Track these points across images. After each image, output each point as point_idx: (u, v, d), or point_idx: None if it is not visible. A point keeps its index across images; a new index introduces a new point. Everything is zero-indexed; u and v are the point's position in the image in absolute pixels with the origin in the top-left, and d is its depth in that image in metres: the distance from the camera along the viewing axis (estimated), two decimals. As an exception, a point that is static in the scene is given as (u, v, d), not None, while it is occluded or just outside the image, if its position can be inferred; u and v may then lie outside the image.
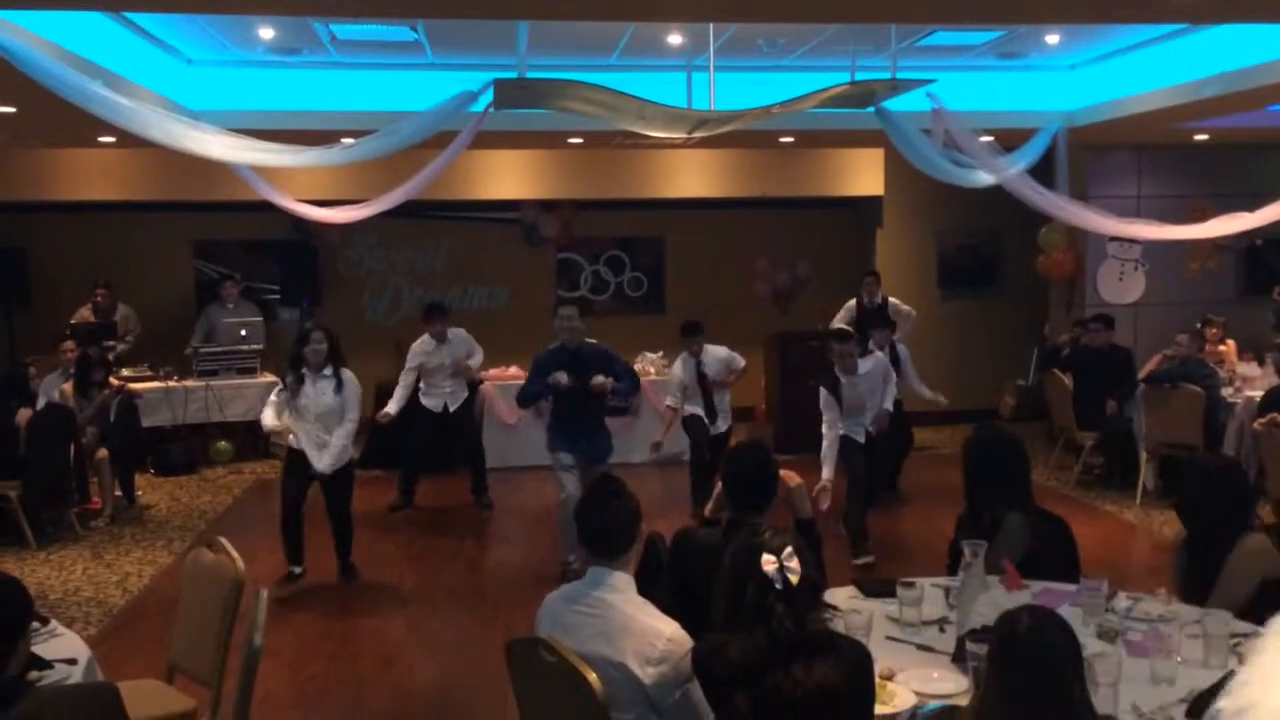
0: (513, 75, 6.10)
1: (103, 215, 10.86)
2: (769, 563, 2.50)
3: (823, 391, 6.71)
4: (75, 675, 3.16)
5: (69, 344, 8.43)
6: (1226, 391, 8.23)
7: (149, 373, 9.59)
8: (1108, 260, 10.37)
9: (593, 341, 6.60)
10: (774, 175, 11.11)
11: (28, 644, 2.83)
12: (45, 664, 3.07)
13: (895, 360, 7.97)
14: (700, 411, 7.85)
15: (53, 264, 10.77)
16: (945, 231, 11.50)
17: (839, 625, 3.13)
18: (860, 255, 11.53)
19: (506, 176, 10.95)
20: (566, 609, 3.00)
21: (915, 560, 6.58)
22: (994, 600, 3.26)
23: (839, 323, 9.45)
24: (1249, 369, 8.77)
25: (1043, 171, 7.48)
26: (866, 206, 11.55)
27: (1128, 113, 7.88)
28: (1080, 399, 8.53)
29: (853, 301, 9.48)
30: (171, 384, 9.50)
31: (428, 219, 11.20)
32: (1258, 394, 7.70)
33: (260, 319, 10.22)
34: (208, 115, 6.95)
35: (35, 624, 3.10)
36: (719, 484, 3.73)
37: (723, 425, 7.86)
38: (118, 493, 8.20)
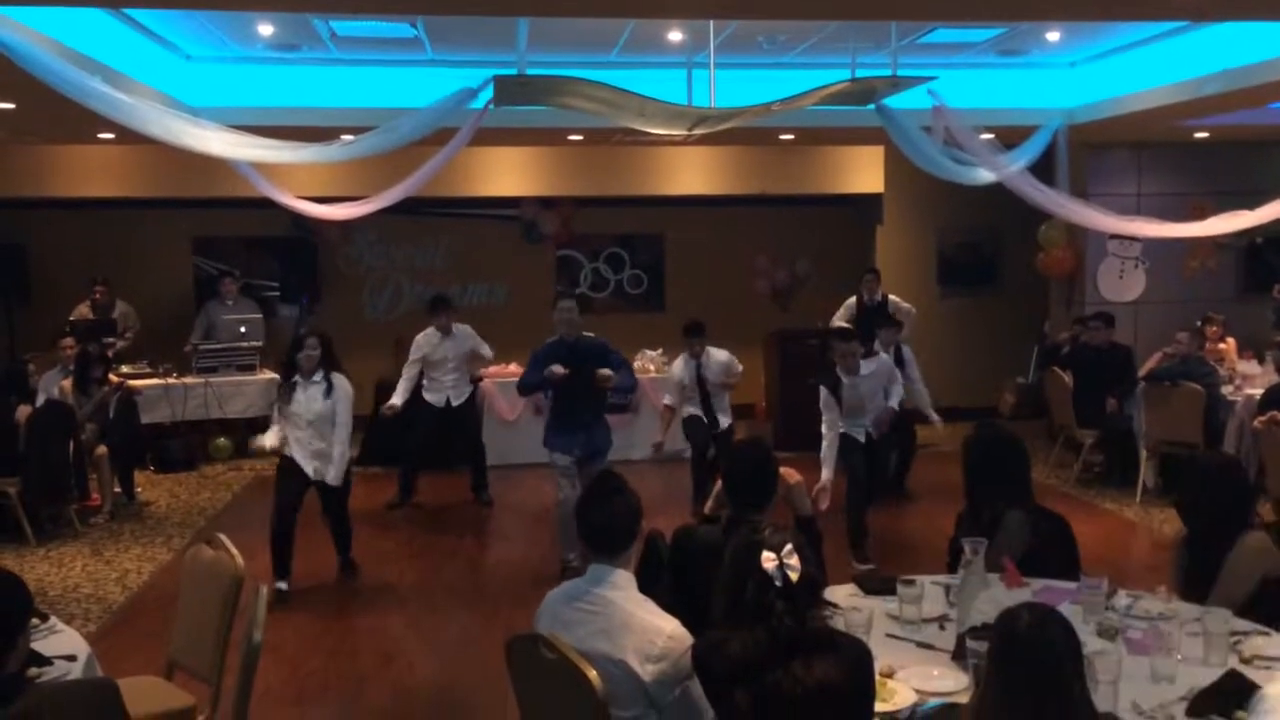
0: (513, 72, 6.09)
1: (102, 212, 10.85)
2: (769, 560, 2.49)
3: (823, 391, 6.69)
4: (75, 672, 3.16)
5: (68, 341, 8.42)
6: (1226, 389, 8.23)
7: (148, 369, 9.58)
8: (1108, 258, 10.37)
9: (590, 335, 6.59)
10: (774, 172, 11.10)
11: (27, 640, 2.83)
12: (44, 660, 3.06)
13: (900, 363, 7.95)
14: (699, 412, 7.85)
15: (52, 260, 10.76)
16: (945, 229, 11.50)
17: (839, 623, 3.13)
18: (860, 253, 11.53)
19: (506, 173, 10.95)
20: (567, 606, 2.99)
21: (915, 558, 6.59)
22: (994, 598, 3.25)
23: (839, 320, 9.46)
24: (1249, 367, 8.77)
25: (1043, 169, 7.48)
26: (866, 204, 11.54)
27: (1128, 110, 7.88)
28: (1080, 397, 8.53)
29: (853, 299, 9.48)
30: (171, 381, 9.49)
31: (427, 216, 11.19)
32: (1258, 392, 7.70)
33: (260, 316, 10.21)
34: (207, 111, 6.94)
35: (35, 620, 3.10)
36: (719, 481, 3.73)
37: (724, 422, 7.86)
38: (117, 489, 8.20)
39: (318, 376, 6.18)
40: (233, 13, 6.56)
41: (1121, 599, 3.57)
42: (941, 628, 3.39)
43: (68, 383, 8.09)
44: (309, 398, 6.15)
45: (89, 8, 5.87)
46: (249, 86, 7.83)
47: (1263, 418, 6.95)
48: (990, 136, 7.07)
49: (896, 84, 6.47)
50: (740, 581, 2.51)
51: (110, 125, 5.79)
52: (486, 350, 8.36)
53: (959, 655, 3.07)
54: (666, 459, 8.24)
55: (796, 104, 6.61)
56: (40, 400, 7.77)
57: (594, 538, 3.05)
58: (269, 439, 6.26)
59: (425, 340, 8.09)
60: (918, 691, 2.88)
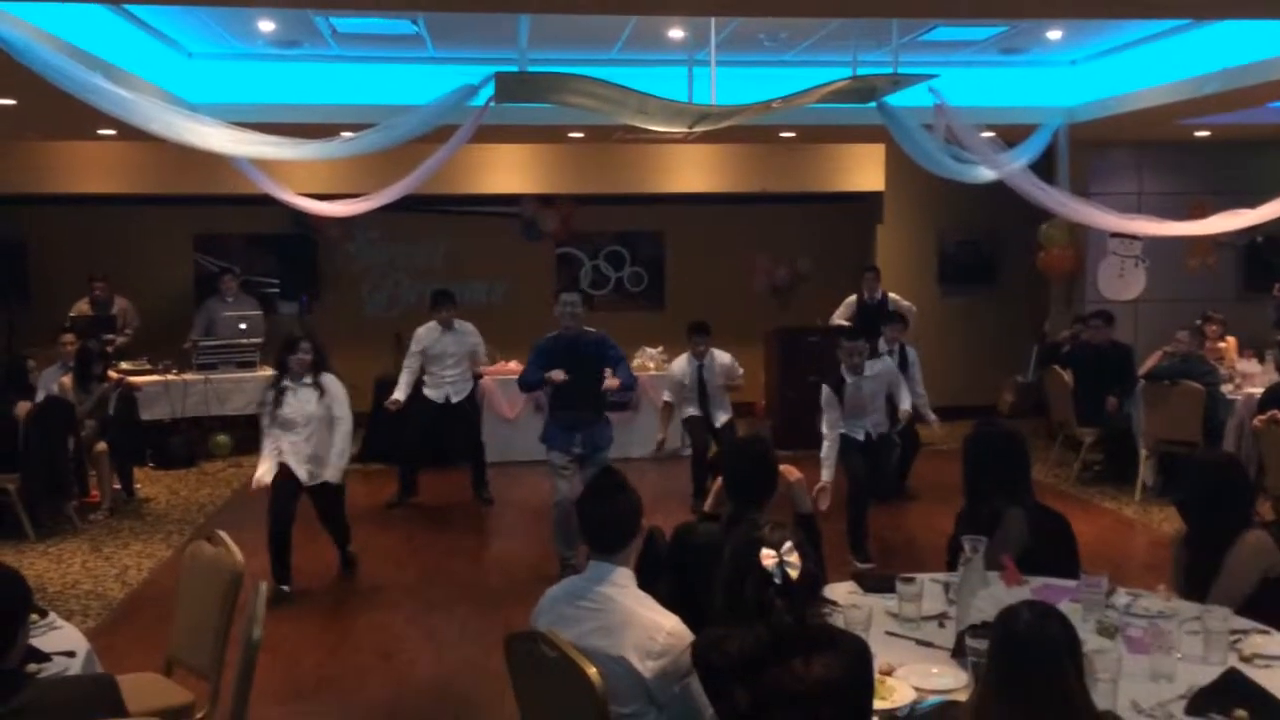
0: (513, 69, 6.09)
1: (103, 208, 10.85)
2: (769, 557, 2.49)
3: (825, 389, 6.67)
4: (74, 668, 3.16)
5: (68, 337, 8.41)
6: (1226, 388, 8.23)
7: (148, 366, 9.58)
8: (1108, 257, 10.37)
9: (591, 330, 6.58)
10: (775, 170, 11.10)
11: (26, 636, 2.83)
12: (43, 656, 3.06)
13: (904, 363, 7.95)
14: (698, 412, 7.84)
15: (52, 257, 10.75)
16: (946, 227, 11.50)
17: (838, 620, 3.13)
18: (860, 251, 11.53)
19: (506, 171, 10.95)
20: (567, 604, 2.99)
21: (915, 556, 6.59)
22: (994, 596, 3.26)
23: (839, 318, 9.47)
24: (1249, 366, 8.76)
25: (1044, 168, 7.48)
26: (867, 202, 11.54)
27: (1129, 109, 7.88)
28: (1080, 395, 8.53)
29: (853, 297, 9.48)
30: (170, 377, 9.49)
31: (428, 213, 11.19)
32: (1258, 391, 7.70)
33: (260, 313, 10.20)
34: (208, 108, 6.95)
35: (34, 616, 3.10)
36: (719, 479, 3.73)
37: (722, 418, 7.86)
38: (116, 486, 8.19)
39: (307, 379, 6.12)
40: (234, 9, 6.56)
41: (1121, 597, 3.57)
42: (941, 625, 3.39)
43: (68, 379, 8.08)
44: (301, 400, 6.09)
45: (90, 4, 5.87)
46: (250, 83, 7.83)
47: (1263, 416, 6.95)
48: (991, 135, 7.07)
49: (897, 82, 6.47)
50: (740, 578, 2.51)
51: (111, 121, 5.80)
52: (484, 356, 8.35)
53: (958, 653, 3.08)
54: (666, 457, 8.24)
55: (797, 102, 6.61)
56: (40, 397, 7.76)
57: (595, 535, 3.05)
58: (265, 474, 6.05)
59: (426, 333, 8.08)
60: (917, 689, 2.88)
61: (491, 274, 11.65)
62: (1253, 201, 6.91)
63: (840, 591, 3.62)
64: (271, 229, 10.90)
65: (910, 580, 3.49)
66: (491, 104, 6.22)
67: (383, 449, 9.14)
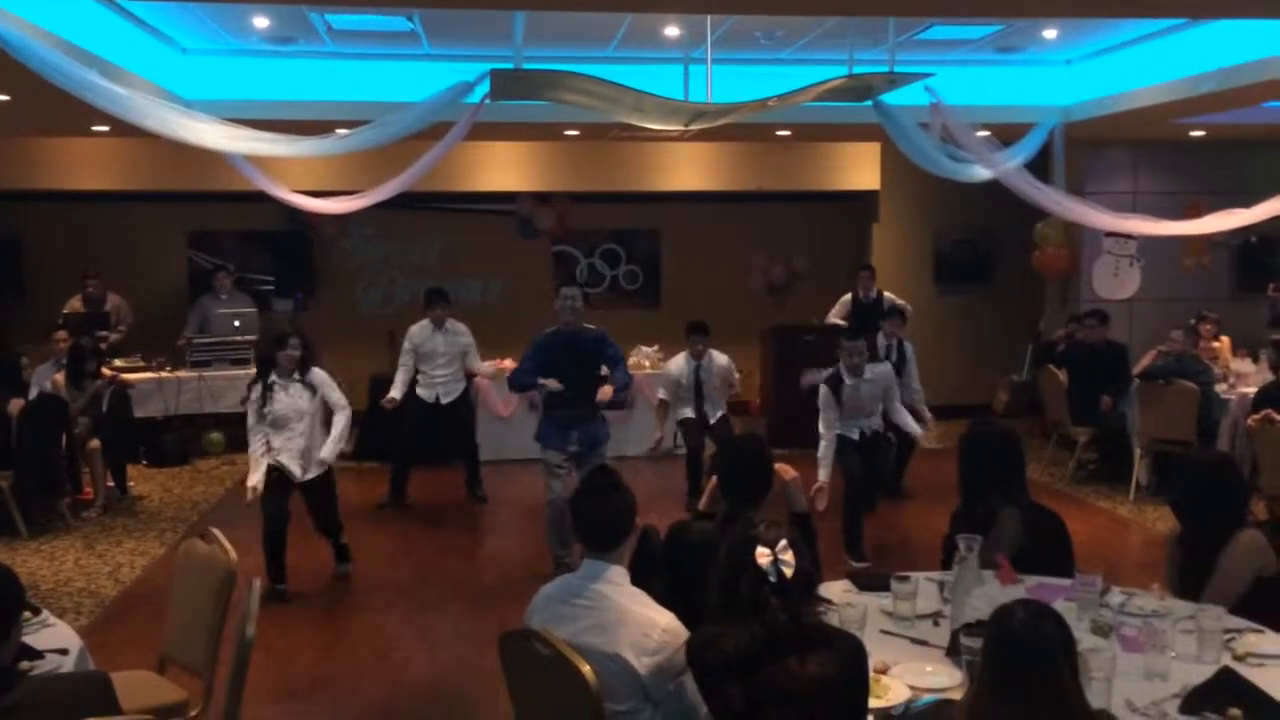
0: (509, 66, 6.08)
1: (97, 205, 10.82)
2: (764, 556, 2.49)
3: (823, 389, 6.67)
4: (66, 665, 3.15)
5: (62, 334, 8.39)
6: (1220, 388, 8.25)
7: (141, 363, 9.56)
8: (1103, 256, 10.37)
9: (590, 327, 6.57)
10: (770, 169, 11.10)
11: (19, 633, 2.82)
12: (36, 654, 3.05)
13: (902, 359, 7.96)
14: (693, 413, 7.83)
15: (46, 254, 10.73)
16: (941, 226, 11.50)
17: (833, 619, 3.13)
18: (856, 249, 11.53)
19: (502, 168, 10.94)
20: (562, 602, 2.99)
21: (910, 554, 6.59)
22: (988, 594, 3.26)
23: (834, 317, 9.47)
24: (1243, 365, 8.78)
25: (1039, 167, 7.49)
26: (863, 201, 11.54)
27: (1124, 108, 7.89)
28: (1075, 394, 8.54)
29: (848, 296, 9.49)
30: (164, 375, 9.47)
31: (423, 210, 11.18)
32: (1252, 390, 7.72)
33: (254, 310, 10.18)
34: (202, 104, 6.94)
35: (26, 614, 3.09)
36: (714, 477, 3.73)
37: (717, 413, 7.85)
38: (110, 483, 8.18)
39: (296, 376, 6.07)
40: (228, 5, 6.55)
41: (1115, 596, 3.57)
42: (936, 624, 3.39)
43: (61, 376, 8.06)
44: (293, 397, 6.04)
45: (84, -1, 5.86)
46: (244, 79, 7.82)
47: (1257, 416, 6.97)
48: (987, 134, 7.07)
49: (894, 80, 6.47)
50: (735, 577, 2.51)
51: (105, 118, 5.77)
52: (477, 362, 8.23)
53: (953, 651, 3.08)
54: (662, 455, 8.24)
55: (793, 100, 6.60)
56: (33, 394, 7.73)
57: (589, 533, 3.04)
58: (258, 481, 5.98)
59: (418, 331, 8.05)
60: (911, 687, 2.88)
61: (487, 272, 11.64)
62: (1247, 201, 6.92)
63: (835, 590, 3.62)
64: (266, 226, 10.88)
65: (905, 579, 3.49)
66: (487, 101, 6.21)
67: (377, 447, 9.11)
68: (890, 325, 8.10)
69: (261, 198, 7.03)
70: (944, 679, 2.95)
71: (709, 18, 6.33)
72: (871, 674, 2.66)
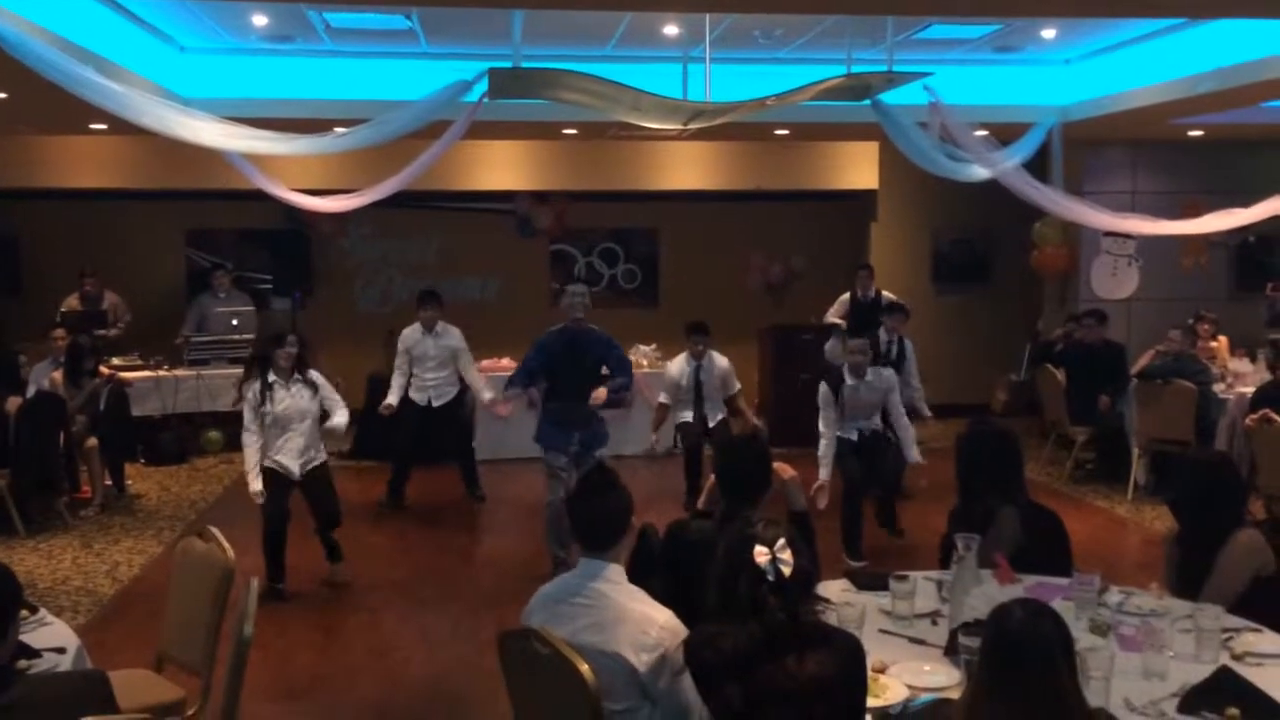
0: (507, 65, 6.08)
1: (95, 203, 10.82)
2: (762, 554, 2.49)
3: (823, 387, 6.65)
4: (64, 664, 3.15)
5: (59, 332, 8.38)
6: (1218, 387, 8.26)
7: (139, 361, 9.55)
8: (1101, 255, 10.38)
9: (594, 327, 6.56)
10: (769, 168, 11.10)
11: (16, 632, 2.81)
12: (34, 652, 3.05)
13: (902, 356, 7.95)
14: (691, 417, 7.80)
15: (44, 252, 10.72)
16: (940, 225, 11.51)
17: (832, 618, 3.13)
18: (854, 249, 11.54)
19: (500, 167, 10.93)
20: (560, 601, 2.98)
21: (908, 553, 6.59)
22: (987, 594, 3.26)
23: (833, 316, 9.47)
24: (1241, 365, 8.79)
25: (1038, 166, 7.49)
26: (861, 200, 11.54)
27: (1123, 108, 7.89)
28: (1073, 394, 8.54)
29: (847, 295, 9.48)
30: (162, 373, 9.46)
31: (421, 209, 11.17)
32: (1249, 390, 7.72)
33: (252, 308, 10.18)
34: (200, 103, 6.94)
35: (24, 612, 3.08)
36: (712, 476, 3.73)
37: (717, 416, 7.82)
38: (107, 482, 8.17)
39: (297, 376, 6.01)
40: (227, 3, 6.55)
41: (1113, 595, 3.57)
42: (934, 623, 3.39)
43: (58, 374, 8.05)
44: (294, 396, 5.98)
45: (82, -3, 5.86)
46: (242, 78, 7.81)
47: (1255, 415, 6.97)
48: (985, 133, 7.07)
49: (892, 80, 6.47)
50: (734, 575, 2.51)
51: (103, 116, 5.77)
52: (471, 370, 8.04)
53: (951, 650, 3.08)
54: (661, 454, 8.23)
55: (792, 99, 6.60)
56: (31, 392, 7.73)
57: (586, 532, 3.04)
58: (259, 489, 5.90)
59: (409, 334, 8.00)
60: (910, 686, 2.88)
61: (485, 270, 11.64)
62: (1246, 201, 6.93)
63: (833, 589, 3.62)
64: (264, 224, 10.87)
65: (903, 578, 3.49)
66: (485, 100, 6.21)
67: (375, 446, 9.10)
68: (892, 321, 8.09)
69: (259, 196, 7.03)
70: (942, 678, 2.95)
71: (707, 16, 6.33)
72: (870, 673, 2.66)
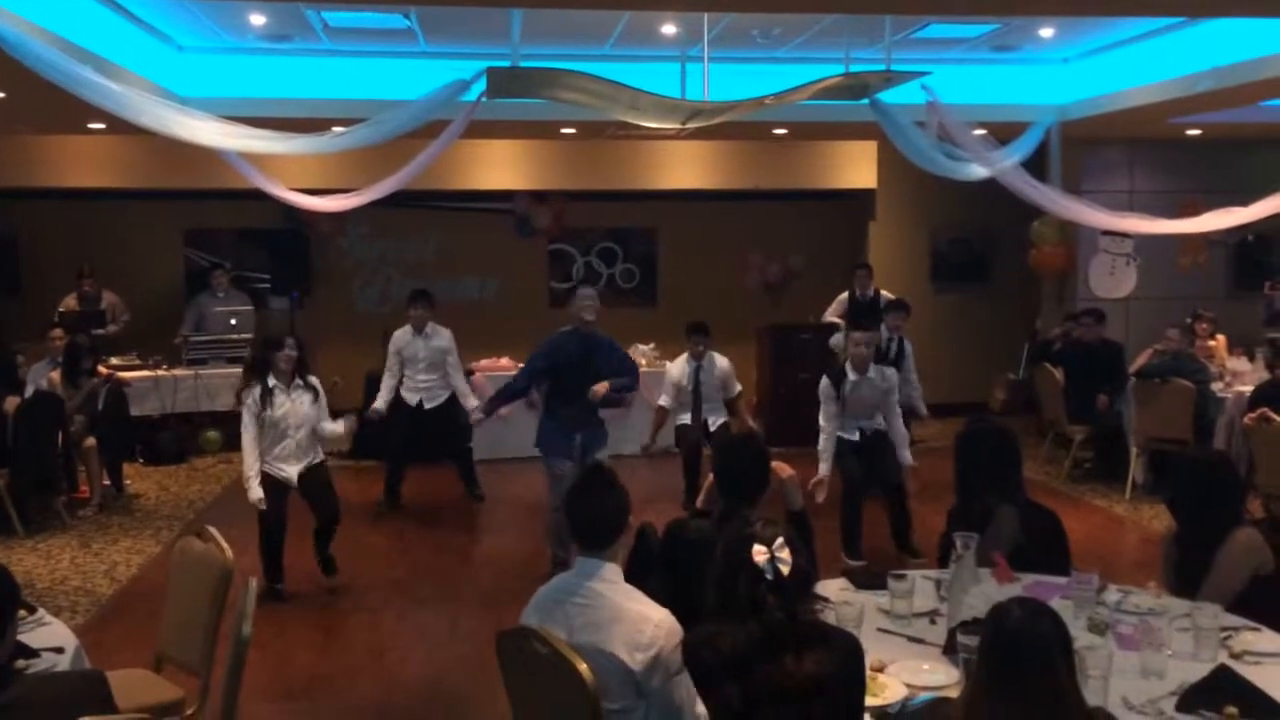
0: (506, 64, 6.08)
1: (93, 202, 10.80)
2: (760, 554, 2.49)
3: (824, 380, 6.61)
4: (62, 664, 3.15)
5: (58, 332, 8.37)
6: (1216, 386, 8.26)
7: (138, 361, 9.54)
8: (1099, 255, 10.39)
9: (602, 334, 6.53)
10: (767, 167, 11.10)
11: (14, 632, 2.81)
12: (32, 652, 3.05)
13: (901, 354, 7.94)
14: (690, 419, 7.78)
15: (43, 251, 10.71)
16: (938, 224, 11.51)
17: (830, 617, 3.13)
18: (853, 248, 11.54)
19: (499, 167, 10.93)
20: (558, 601, 2.98)
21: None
22: (985, 592, 3.27)
23: (831, 315, 9.47)
24: (1239, 364, 8.79)
25: (1036, 165, 7.49)
26: (859, 199, 11.55)
27: (1121, 107, 7.90)
28: (1071, 393, 8.55)
29: (845, 294, 9.48)
30: (160, 373, 9.46)
31: (419, 209, 11.16)
32: (1248, 389, 7.72)
33: (250, 308, 10.17)
34: (198, 102, 6.93)
35: (22, 612, 3.08)
36: (711, 476, 3.73)
37: (717, 420, 7.80)
38: (106, 482, 8.17)
39: (298, 381, 5.94)
40: (225, 2, 6.55)
41: (1112, 594, 3.57)
42: (932, 622, 3.39)
43: (56, 374, 8.05)
44: (295, 401, 5.92)
45: (80, -4, 5.85)
46: (240, 77, 7.81)
47: (1253, 414, 6.97)
48: (983, 132, 7.07)
49: (890, 79, 6.47)
50: (732, 575, 2.51)
51: (101, 115, 5.76)
52: (458, 376, 7.96)
53: (950, 649, 3.08)
54: (659, 454, 8.23)
55: (790, 98, 6.60)
56: (29, 391, 7.72)
57: (583, 531, 3.04)
58: (259, 497, 5.82)
59: (399, 336, 7.95)
60: (908, 685, 2.88)
61: (483, 270, 11.63)
62: (1244, 200, 6.93)
63: (832, 588, 3.62)
64: (263, 224, 10.86)
65: (902, 577, 3.50)
66: (483, 99, 6.21)
67: (373, 446, 9.09)
68: (894, 319, 8.08)
69: (258, 195, 7.02)
70: (941, 677, 2.95)
71: (706, 16, 6.33)
72: (868, 672, 2.66)
